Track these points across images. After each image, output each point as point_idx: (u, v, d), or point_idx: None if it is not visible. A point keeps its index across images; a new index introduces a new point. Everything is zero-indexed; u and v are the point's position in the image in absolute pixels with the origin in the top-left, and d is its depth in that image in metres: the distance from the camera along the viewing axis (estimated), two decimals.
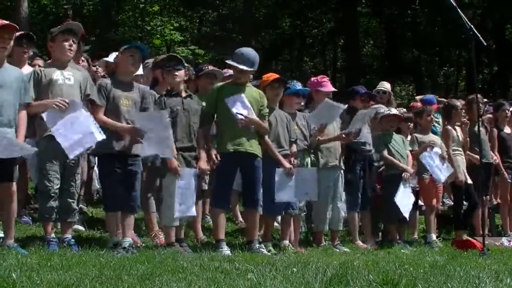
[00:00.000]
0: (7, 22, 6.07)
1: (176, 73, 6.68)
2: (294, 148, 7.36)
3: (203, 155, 6.66)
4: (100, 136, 6.01)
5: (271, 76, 7.38)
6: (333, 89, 8.24)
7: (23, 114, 5.96)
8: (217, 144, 6.76)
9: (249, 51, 6.94)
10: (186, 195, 6.47)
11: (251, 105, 6.74)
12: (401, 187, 8.33)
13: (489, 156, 9.51)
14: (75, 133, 5.94)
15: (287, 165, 7.09)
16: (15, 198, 6.00)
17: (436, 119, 9.85)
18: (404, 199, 8.35)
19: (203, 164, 6.63)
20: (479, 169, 8.29)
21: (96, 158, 6.93)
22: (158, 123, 6.25)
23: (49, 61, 6.72)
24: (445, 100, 10.82)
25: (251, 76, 8.66)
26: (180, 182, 6.42)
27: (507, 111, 10.11)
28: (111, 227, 6.29)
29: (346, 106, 8.06)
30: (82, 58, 7.78)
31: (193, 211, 6.63)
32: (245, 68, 6.75)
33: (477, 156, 8.66)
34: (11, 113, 5.84)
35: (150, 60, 7.58)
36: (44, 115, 5.96)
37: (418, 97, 11.99)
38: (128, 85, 6.39)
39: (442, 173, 8.66)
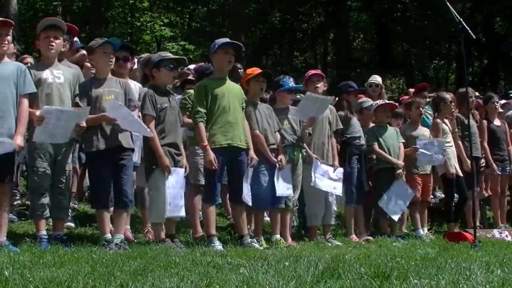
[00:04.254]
0: (2, 18, 6.05)
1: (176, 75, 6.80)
2: (278, 137, 7.35)
3: (184, 154, 6.70)
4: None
5: (255, 70, 7.36)
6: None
7: (25, 105, 5.88)
8: (208, 139, 6.71)
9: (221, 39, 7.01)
10: (174, 194, 6.43)
11: (235, 100, 6.79)
12: (390, 190, 8.34)
13: (478, 150, 9.54)
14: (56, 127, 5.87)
15: (274, 160, 7.11)
16: (9, 196, 5.99)
17: (428, 111, 9.84)
18: (393, 201, 8.35)
19: (185, 161, 6.68)
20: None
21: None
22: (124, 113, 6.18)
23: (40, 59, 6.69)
24: (434, 93, 10.82)
25: (241, 70, 8.67)
26: (169, 181, 6.38)
27: (496, 103, 10.15)
28: (101, 225, 6.26)
29: (334, 97, 8.10)
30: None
31: (183, 212, 6.59)
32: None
33: (468, 163, 8.77)
34: (9, 106, 5.81)
35: (145, 55, 7.51)
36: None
37: (411, 90, 11.99)
38: (109, 81, 6.37)
39: (439, 154, 8.66)
